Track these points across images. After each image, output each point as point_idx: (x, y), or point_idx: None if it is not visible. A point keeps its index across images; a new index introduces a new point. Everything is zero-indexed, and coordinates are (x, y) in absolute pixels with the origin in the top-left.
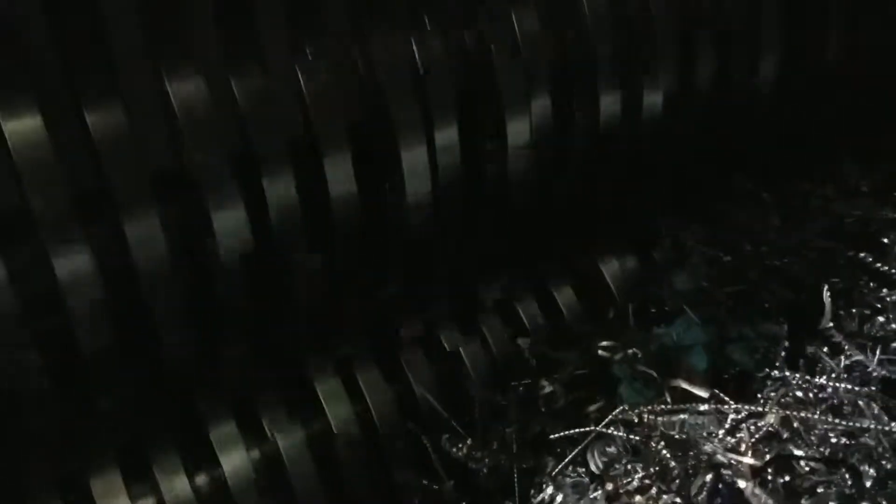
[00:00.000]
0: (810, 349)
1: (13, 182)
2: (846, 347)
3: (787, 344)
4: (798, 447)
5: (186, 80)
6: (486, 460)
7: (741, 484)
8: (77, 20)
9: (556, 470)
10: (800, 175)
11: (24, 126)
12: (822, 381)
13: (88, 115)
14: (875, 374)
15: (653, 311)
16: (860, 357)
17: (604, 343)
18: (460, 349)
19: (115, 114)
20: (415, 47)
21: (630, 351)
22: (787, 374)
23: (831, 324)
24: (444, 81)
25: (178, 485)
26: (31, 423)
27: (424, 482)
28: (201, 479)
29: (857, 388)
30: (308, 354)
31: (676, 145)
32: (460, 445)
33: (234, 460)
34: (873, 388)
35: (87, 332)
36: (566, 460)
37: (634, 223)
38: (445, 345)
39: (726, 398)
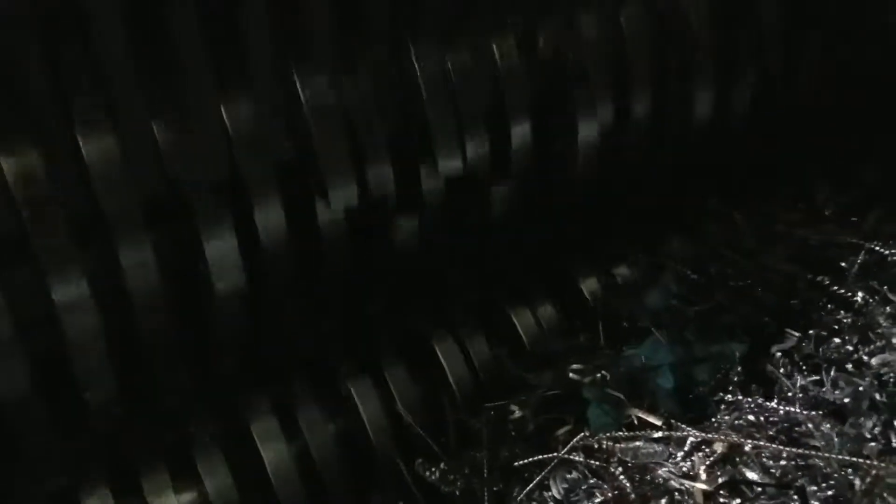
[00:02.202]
0: (769, 369)
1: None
2: (804, 368)
3: (740, 368)
4: (750, 470)
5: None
6: (458, 483)
7: None
8: (71, 52)
9: (522, 495)
10: (771, 198)
11: (20, 157)
12: (773, 404)
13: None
14: (828, 396)
15: (625, 326)
16: (816, 377)
17: (575, 366)
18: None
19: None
20: None
21: (599, 374)
22: (740, 397)
23: (782, 370)
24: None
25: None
26: (22, 443)
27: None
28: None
29: (806, 412)
30: (294, 370)
31: (655, 168)
32: (433, 469)
33: (217, 481)
34: (822, 412)
35: (83, 353)
36: (529, 486)
37: (611, 242)
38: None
39: (680, 424)
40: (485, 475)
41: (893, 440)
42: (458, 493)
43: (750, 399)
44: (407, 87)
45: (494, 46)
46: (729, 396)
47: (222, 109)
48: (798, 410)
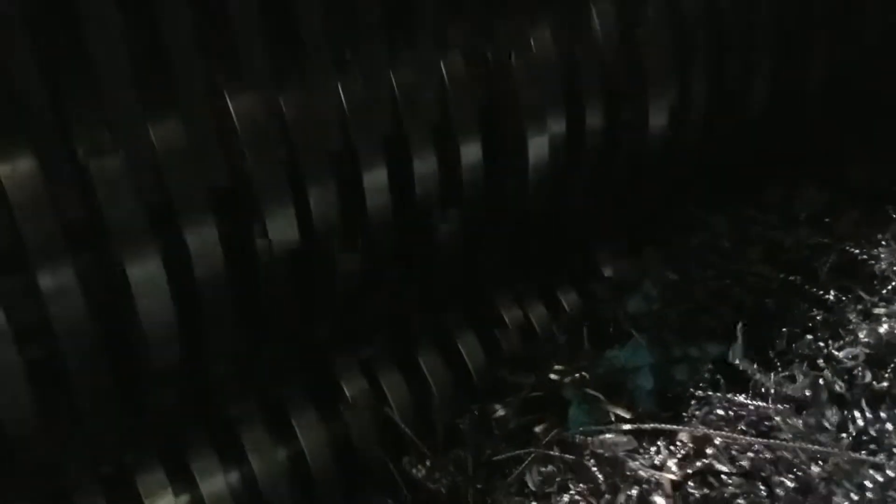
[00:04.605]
0: (742, 366)
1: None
2: (777, 364)
3: (711, 365)
4: (720, 462)
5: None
6: (444, 481)
7: (660, 499)
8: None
9: (500, 489)
10: (749, 202)
11: (16, 165)
12: (743, 398)
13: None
14: (796, 392)
15: (610, 331)
16: (787, 373)
17: (556, 367)
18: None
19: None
20: None
21: (579, 374)
22: (710, 392)
23: (737, 361)
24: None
25: None
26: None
27: (389, 501)
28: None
29: (774, 406)
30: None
31: (636, 173)
32: (419, 466)
33: (213, 485)
34: (790, 406)
35: (76, 353)
36: (508, 479)
37: (597, 246)
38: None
39: (649, 419)
40: (469, 473)
41: (851, 429)
42: (443, 490)
43: (720, 395)
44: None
45: (441, 62)
46: (700, 392)
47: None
48: (768, 405)
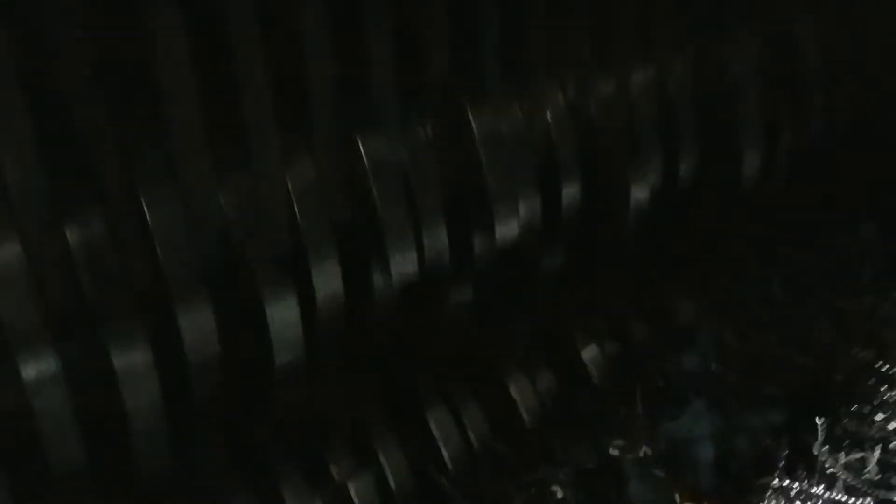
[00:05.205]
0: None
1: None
2: (845, 445)
3: (788, 439)
4: None
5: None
6: None
7: None
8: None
9: None
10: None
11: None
12: (819, 490)
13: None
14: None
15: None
16: (861, 455)
17: (616, 441)
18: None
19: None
20: None
21: (641, 453)
22: (787, 482)
23: (826, 447)
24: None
25: None
26: None
27: None
28: None
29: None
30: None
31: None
32: None
33: None
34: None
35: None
36: None
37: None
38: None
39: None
40: None
41: None
42: None
43: (797, 484)
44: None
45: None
46: (776, 481)
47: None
48: (843, 498)
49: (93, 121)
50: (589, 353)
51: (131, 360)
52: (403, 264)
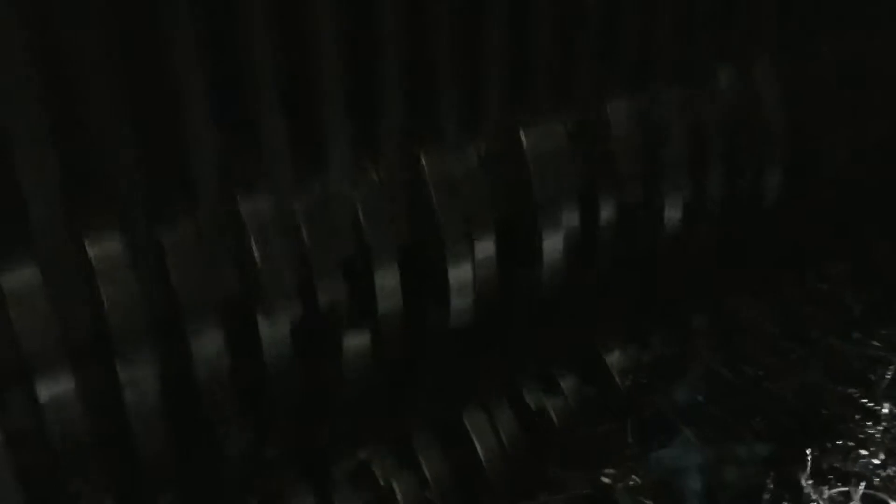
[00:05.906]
0: (798, 475)
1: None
2: (830, 479)
3: (774, 472)
4: None
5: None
6: None
7: None
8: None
9: None
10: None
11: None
12: None
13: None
14: None
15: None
16: (846, 489)
17: (607, 470)
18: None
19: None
20: None
21: (632, 482)
22: None
23: (811, 481)
24: None
25: None
26: None
27: None
28: None
29: None
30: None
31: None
32: None
33: None
34: None
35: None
36: None
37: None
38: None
39: None
40: None
41: None
42: None
43: None
44: None
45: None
46: None
47: None
48: None
49: (115, 146)
50: (578, 381)
51: (143, 384)
52: None
